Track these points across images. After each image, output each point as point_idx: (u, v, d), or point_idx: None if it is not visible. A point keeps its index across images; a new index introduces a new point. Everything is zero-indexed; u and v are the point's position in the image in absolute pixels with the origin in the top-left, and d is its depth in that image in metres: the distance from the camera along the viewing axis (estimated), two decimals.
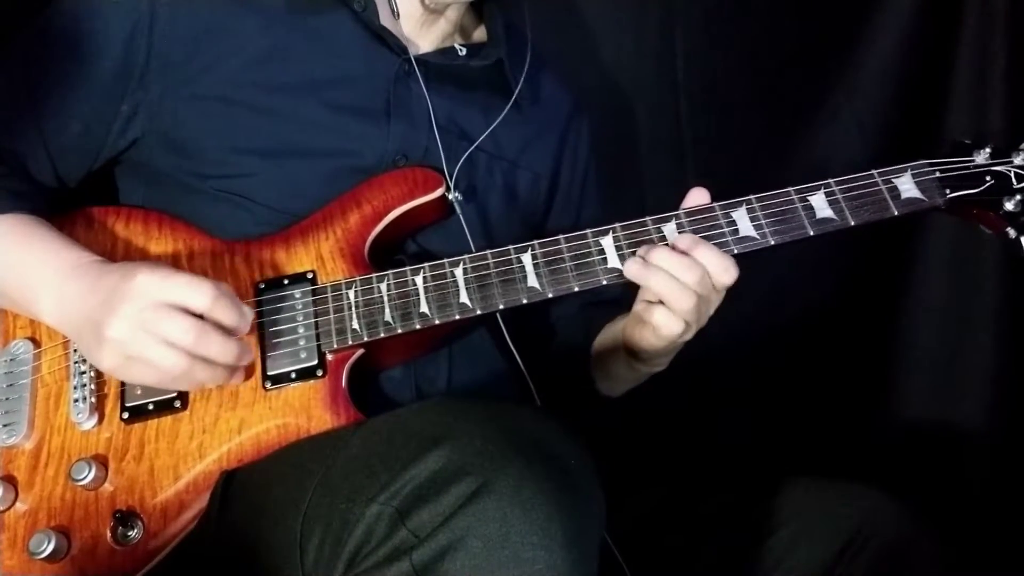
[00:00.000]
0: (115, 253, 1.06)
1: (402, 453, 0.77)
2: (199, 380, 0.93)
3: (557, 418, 0.82)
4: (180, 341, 0.89)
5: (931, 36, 1.71)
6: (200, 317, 0.91)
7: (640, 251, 1.00)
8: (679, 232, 1.02)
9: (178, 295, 0.89)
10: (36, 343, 1.03)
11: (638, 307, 1.05)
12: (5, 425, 0.99)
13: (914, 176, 1.05)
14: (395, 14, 1.17)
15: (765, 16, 1.73)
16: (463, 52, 1.21)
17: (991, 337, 1.74)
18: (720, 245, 1.01)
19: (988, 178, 1.05)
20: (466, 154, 1.15)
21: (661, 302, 0.99)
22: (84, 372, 0.99)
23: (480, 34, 1.29)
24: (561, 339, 1.31)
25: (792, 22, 1.73)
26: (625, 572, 1.01)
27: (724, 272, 0.98)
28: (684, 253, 0.98)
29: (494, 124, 1.18)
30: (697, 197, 1.04)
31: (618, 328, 1.16)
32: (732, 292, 1.02)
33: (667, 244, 1.00)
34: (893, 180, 1.05)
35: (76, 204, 1.11)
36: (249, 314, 0.94)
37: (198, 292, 0.90)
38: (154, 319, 0.88)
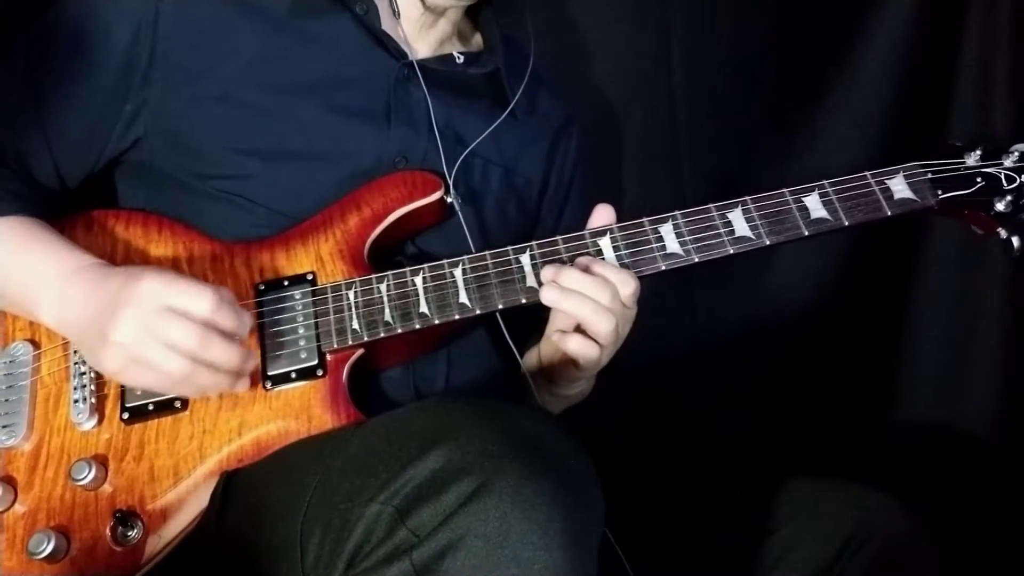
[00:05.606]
0: (115, 256, 1.06)
1: (402, 453, 0.77)
2: (201, 385, 0.93)
3: (555, 418, 0.83)
4: (183, 345, 0.89)
5: (931, 37, 1.69)
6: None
7: (547, 273, 1.00)
8: (674, 232, 1.03)
9: (180, 301, 0.90)
10: (35, 345, 1.03)
11: (553, 337, 1.05)
12: (4, 426, 0.99)
13: (906, 177, 1.07)
14: (396, 13, 1.17)
15: (762, 22, 1.72)
16: (460, 59, 1.22)
17: (996, 337, 1.72)
18: (717, 246, 1.03)
19: (979, 179, 1.06)
20: (461, 158, 1.16)
21: (576, 329, 1.00)
22: (84, 373, 0.99)
23: (477, 40, 1.30)
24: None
25: (788, 28, 1.72)
26: (627, 571, 1.02)
27: (624, 284, 0.99)
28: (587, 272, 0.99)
29: (489, 129, 1.18)
30: (602, 215, 1.05)
31: (533, 358, 1.14)
32: (736, 291, 1.02)
33: (570, 265, 1.01)
34: (886, 181, 1.07)
35: (76, 207, 1.11)
36: (248, 320, 0.94)
37: (199, 298, 0.90)
38: (158, 323, 0.89)
